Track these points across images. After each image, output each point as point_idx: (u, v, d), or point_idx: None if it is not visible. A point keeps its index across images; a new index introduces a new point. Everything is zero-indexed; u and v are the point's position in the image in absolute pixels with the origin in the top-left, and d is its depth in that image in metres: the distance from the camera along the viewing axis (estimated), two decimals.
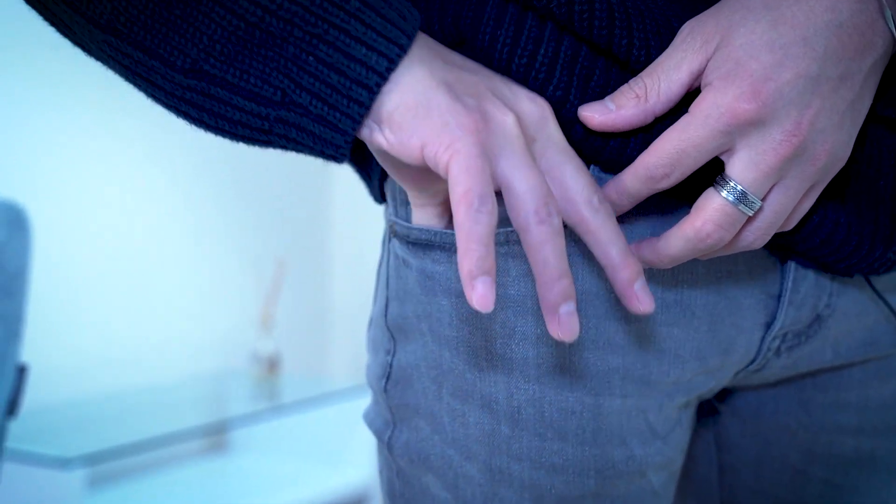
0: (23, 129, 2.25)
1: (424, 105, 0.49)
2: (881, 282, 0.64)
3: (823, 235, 0.57)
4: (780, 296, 0.61)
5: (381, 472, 0.67)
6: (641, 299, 0.51)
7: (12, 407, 1.31)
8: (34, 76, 2.25)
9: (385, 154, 0.53)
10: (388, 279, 0.64)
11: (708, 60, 0.51)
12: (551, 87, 0.54)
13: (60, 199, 2.33)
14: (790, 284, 0.61)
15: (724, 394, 0.71)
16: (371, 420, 0.67)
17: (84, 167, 2.39)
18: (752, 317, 0.61)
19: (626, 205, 0.54)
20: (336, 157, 0.51)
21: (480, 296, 0.47)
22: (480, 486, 0.61)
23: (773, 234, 0.54)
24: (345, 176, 2.90)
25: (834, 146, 0.52)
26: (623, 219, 0.56)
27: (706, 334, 0.60)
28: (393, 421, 0.64)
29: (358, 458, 2.58)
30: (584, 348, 0.58)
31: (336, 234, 3.12)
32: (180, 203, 2.65)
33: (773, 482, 0.72)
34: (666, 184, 0.52)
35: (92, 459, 1.97)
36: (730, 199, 0.51)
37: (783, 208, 0.53)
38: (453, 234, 0.57)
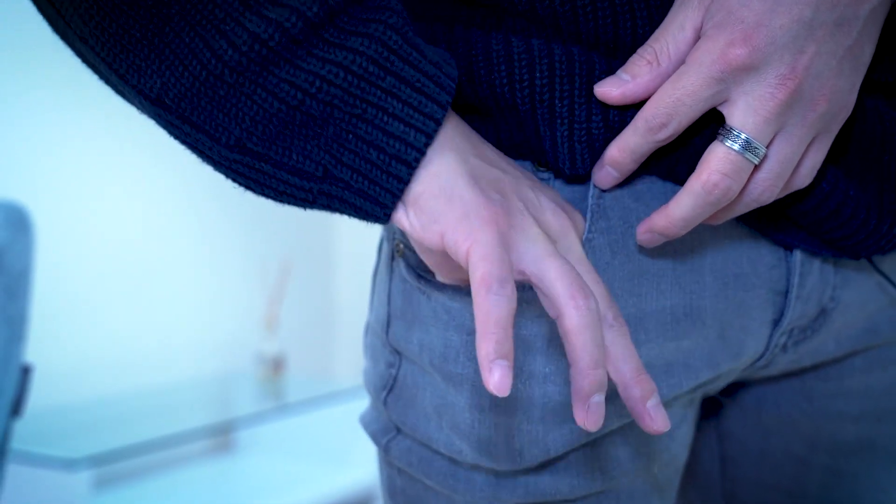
0: (25, 130, 2.26)
1: (448, 193, 0.50)
2: (885, 266, 0.64)
3: (833, 206, 0.57)
4: (787, 292, 0.61)
5: (381, 469, 0.67)
6: (655, 418, 0.50)
7: (17, 408, 1.31)
8: (36, 77, 2.25)
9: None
10: (389, 295, 0.63)
11: (706, 13, 0.51)
12: (557, 100, 0.54)
13: (63, 199, 2.33)
14: (797, 280, 0.61)
15: (728, 388, 0.71)
16: (367, 423, 0.67)
17: (87, 168, 2.39)
18: (760, 316, 0.61)
19: (629, 162, 0.54)
20: (376, 221, 0.52)
21: (497, 381, 0.46)
22: (482, 490, 0.61)
23: (780, 186, 0.53)
24: None
25: (833, 92, 0.51)
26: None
27: (716, 341, 0.60)
28: (394, 427, 0.64)
29: (363, 459, 2.58)
30: None
31: (340, 235, 3.12)
32: (184, 204, 2.65)
33: (776, 472, 0.72)
34: (664, 135, 0.52)
35: (97, 461, 1.97)
36: (734, 147, 0.51)
37: (788, 157, 0.52)
38: None
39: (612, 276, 0.56)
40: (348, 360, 3.09)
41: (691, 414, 0.64)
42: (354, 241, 3.07)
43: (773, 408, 0.70)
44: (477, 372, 0.58)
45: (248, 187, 0.52)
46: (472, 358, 0.58)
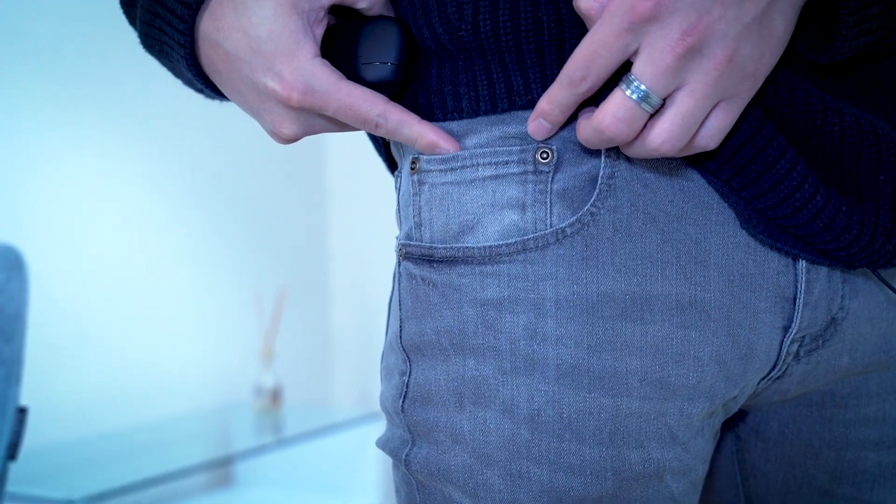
0: (14, 168, 2.25)
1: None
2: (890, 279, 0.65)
3: (826, 220, 0.59)
4: (794, 298, 0.62)
5: (398, 490, 0.68)
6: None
7: (13, 450, 1.30)
8: (26, 115, 2.26)
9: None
10: (400, 302, 0.65)
11: None
12: (546, 41, 0.58)
13: (54, 236, 2.33)
14: (803, 286, 0.62)
15: (745, 415, 0.72)
16: (385, 443, 0.68)
17: (78, 204, 2.39)
18: (770, 320, 0.62)
19: (559, 115, 0.58)
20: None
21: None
22: (500, 492, 0.62)
23: (684, 141, 0.55)
24: (343, 207, 2.91)
25: (737, 54, 0.53)
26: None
27: (725, 339, 0.61)
28: (411, 439, 0.65)
29: (363, 488, 2.57)
30: (602, 350, 0.59)
31: (336, 265, 3.12)
32: (177, 238, 2.65)
33: None
34: (585, 87, 0.55)
35: (97, 499, 1.96)
36: (629, 93, 0.54)
37: (690, 111, 0.54)
38: (477, 249, 0.60)
39: (612, 252, 0.59)
40: (346, 389, 3.08)
41: (709, 427, 0.65)
42: (350, 271, 3.07)
43: (794, 438, 0.71)
44: (496, 337, 0.61)
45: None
46: (489, 325, 0.61)
